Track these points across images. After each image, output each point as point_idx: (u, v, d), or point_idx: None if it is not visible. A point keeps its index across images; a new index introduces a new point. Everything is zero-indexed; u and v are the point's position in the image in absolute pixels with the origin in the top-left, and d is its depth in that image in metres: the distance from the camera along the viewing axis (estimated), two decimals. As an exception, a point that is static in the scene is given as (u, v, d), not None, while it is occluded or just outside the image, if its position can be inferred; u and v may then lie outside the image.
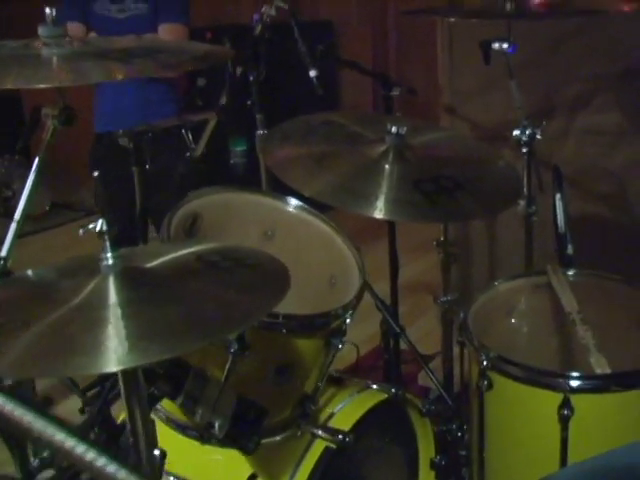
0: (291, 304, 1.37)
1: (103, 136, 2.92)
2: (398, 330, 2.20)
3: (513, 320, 1.95)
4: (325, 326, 1.45)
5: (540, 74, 2.61)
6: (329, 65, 4.45)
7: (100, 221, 0.90)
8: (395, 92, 2.34)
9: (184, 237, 1.46)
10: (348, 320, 1.48)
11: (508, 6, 1.85)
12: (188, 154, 2.13)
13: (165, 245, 1.30)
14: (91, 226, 0.90)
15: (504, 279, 1.93)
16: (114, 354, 0.81)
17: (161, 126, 2.01)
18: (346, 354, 3.13)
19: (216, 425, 1.17)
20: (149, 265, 1.00)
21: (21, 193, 1.63)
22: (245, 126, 1.99)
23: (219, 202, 1.62)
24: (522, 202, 2.10)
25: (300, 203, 1.71)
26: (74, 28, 2.88)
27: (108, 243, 0.92)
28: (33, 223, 4.62)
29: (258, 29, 2.06)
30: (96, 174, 3.02)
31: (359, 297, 1.52)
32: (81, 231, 0.90)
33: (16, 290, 1.01)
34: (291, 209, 1.72)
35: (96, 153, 3.00)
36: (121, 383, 0.93)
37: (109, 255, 0.93)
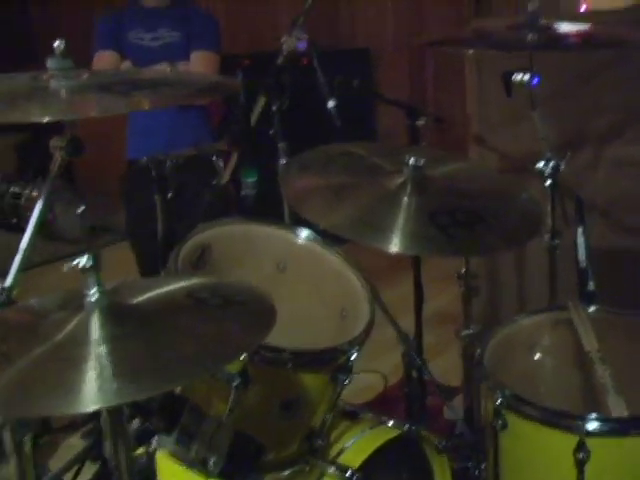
0: (302, 336, 1.36)
1: (132, 163, 2.96)
2: (419, 362, 2.17)
3: (535, 356, 1.91)
4: (331, 361, 1.43)
5: (570, 105, 2.57)
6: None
7: (85, 257, 0.90)
8: (421, 121, 2.33)
9: (191, 269, 1.46)
10: (354, 355, 1.46)
11: (530, 37, 1.82)
12: (215, 182, 2.14)
13: (157, 280, 1.30)
14: (75, 262, 0.90)
15: (525, 314, 1.89)
16: (91, 393, 0.80)
17: (180, 155, 2.02)
18: (375, 384, 3.11)
19: (211, 461, 1.15)
20: (136, 301, 1.00)
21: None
22: (257, 157, 2.00)
23: (229, 234, 1.62)
24: (547, 235, 2.06)
25: (312, 235, 1.70)
26: (107, 56, 2.94)
27: (93, 279, 0.92)
28: (70, 246, 4.69)
29: (280, 59, 2.06)
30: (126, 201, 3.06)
31: (367, 332, 1.50)
32: (65, 267, 0.90)
33: (3, 322, 1.01)
34: (303, 241, 1.71)
35: (126, 180, 3.04)
36: (103, 420, 0.92)
37: (93, 291, 0.92)
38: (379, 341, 1.95)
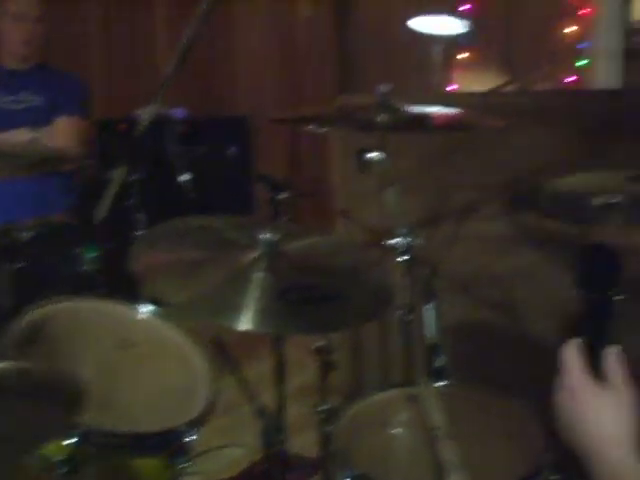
0: (142, 418, 1.31)
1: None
2: (278, 438, 2.14)
3: (388, 432, 1.91)
4: (167, 445, 1.39)
5: (431, 181, 2.66)
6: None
7: None
8: (282, 195, 2.34)
9: (19, 349, 1.39)
10: (192, 437, 1.41)
11: (380, 117, 1.88)
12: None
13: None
14: None
15: (378, 389, 1.90)
16: None
17: (33, 224, 1.96)
18: (240, 458, 3.04)
19: None
20: None
21: None
22: (98, 231, 1.96)
23: (67, 311, 1.56)
24: (401, 310, 2.09)
25: (154, 311, 1.66)
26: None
27: None
28: None
29: (138, 129, 2.04)
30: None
31: (207, 412, 1.46)
32: None
33: None
34: (145, 318, 1.67)
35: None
36: None
37: None
38: (247, 414, 1.91)
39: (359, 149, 1.95)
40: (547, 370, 2.52)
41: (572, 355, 0.96)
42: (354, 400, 1.85)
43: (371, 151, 1.94)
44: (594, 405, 0.95)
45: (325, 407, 2.08)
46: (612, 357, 0.95)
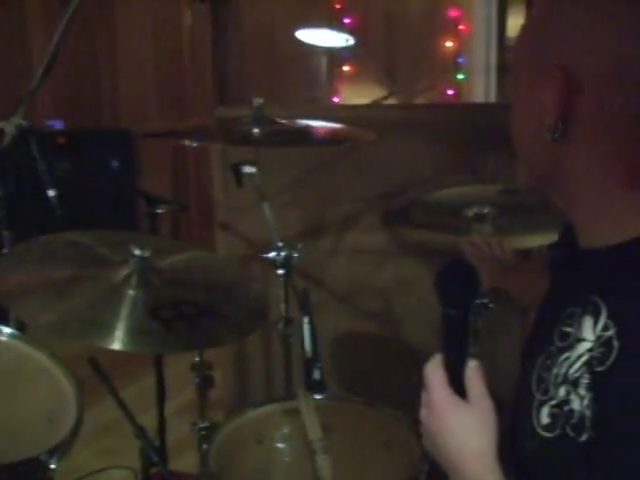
0: (5, 446, 1.25)
1: None
2: (158, 458, 2.09)
3: (264, 448, 1.90)
4: (29, 474, 1.33)
5: (310, 194, 2.67)
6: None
7: None
8: (161, 209, 2.30)
9: None
10: (54, 464, 1.35)
11: (256, 132, 1.87)
12: None
13: None
14: None
15: (255, 405, 1.88)
16: None
17: None
18: (126, 477, 2.96)
19: None
20: None
21: None
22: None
23: None
24: (280, 324, 2.09)
25: (15, 332, 1.59)
26: None
27: None
28: None
29: (4, 143, 1.96)
30: None
31: (73, 436, 1.41)
32: None
33: None
34: (5, 339, 1.60)
35: None
36: None
37: None
38: (127, 435, 1.86)
39: (234, 163, 1.93)
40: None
41: (433, 371, 0.97)
42: (232, 416, 1.83)
43: (246, 165, 1.93)
44: (454, 421, 0.96)
45: (204, 424, 2.05)
46: (471, 372, 0.96)
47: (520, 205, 2.16)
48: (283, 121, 1.93)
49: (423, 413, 0.99)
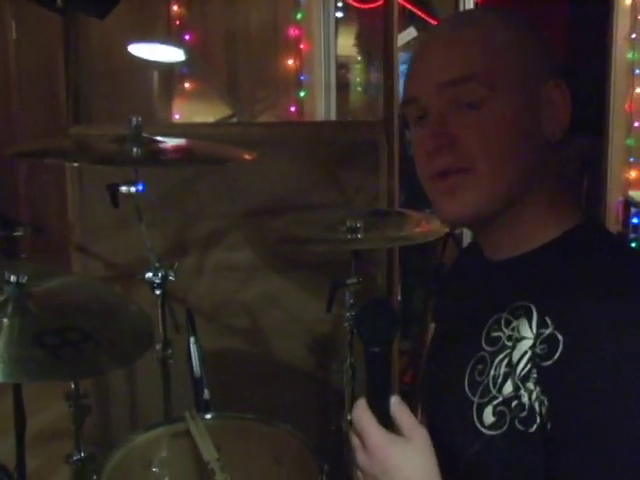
0: None
1: None
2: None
3: (154, 472, 1.85)
4: None
5: (174, 212, 2.64)
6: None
7: None
8: (19, 232, 2.20)
9: None
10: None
11: (135, 151, 1.83)
12: None
13: None
14: None
15: (141, 430, 1.83)
16: None
17: None
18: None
19: None
20: None
21: None
22: None
23: None
24: (158, 345, 2.05)
25: None
26: None
27: None
28: None
29: None
30: None
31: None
32: None
33: None
34: None
35: None
36: None
37: None
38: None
39: (111, 183, 1.87)
40: (299, 392, 2.61)
41: (362, 415, 0.96)
42: (118, 444, 1.77)
43: (124, 185, 1.88)
44: (398, 458, 0.94)
45: (80, 456, 1.97)
46: (396, 406, 0.97)
47: (388, 220, 2.26)
48: (162, 140, 1.90)
49: (361, 459, 0.96)
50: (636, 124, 4.10)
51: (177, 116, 4.51)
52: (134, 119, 1.84)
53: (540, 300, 0.93)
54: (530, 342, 0.92)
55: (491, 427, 0.94)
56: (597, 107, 4.31)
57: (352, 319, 2.21)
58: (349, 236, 2.15)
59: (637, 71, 4.04)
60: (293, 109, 4.31)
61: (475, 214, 0.99)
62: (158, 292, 2.03)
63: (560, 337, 0.88)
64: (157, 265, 2.02)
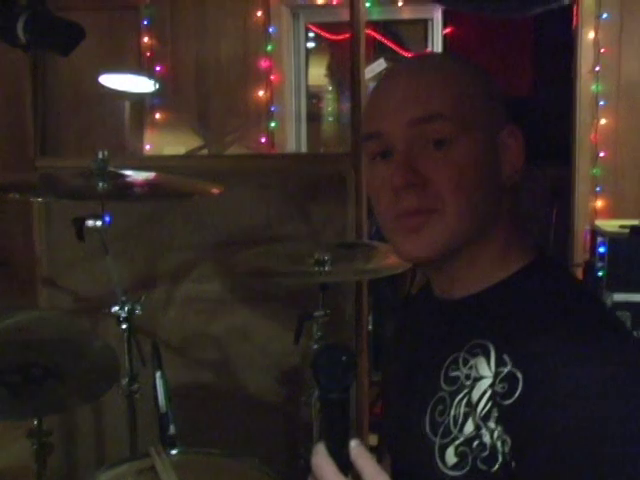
0: None
1: None
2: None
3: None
4: None
5: (141, 245, 2.63)
6: None
7: None
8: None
9: None
10: None
11: (100, 186, 1.83)
12: None
13: None
14: None
15: (106, 467, 1.80)
16: None
17: None
18: None
19: None
20: None
21: None
22: None
23: None
24: (124, 380, 2.03)
25: None
26: None
27: None
28: None
29: None
30: None
31: None
32: None
33: None
34: None
35: None
36: None
37: None
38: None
39: (77, 217, 1.87)
40: (268, 425, 2.59)
41: (322, 462, 0.94)
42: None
43: (90, 218, 1.87)
44: None
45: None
46: (356, 451, 0.96)
47: (356, 253, 2.27)
48: (129, 174, 1.90)
49: None
50: (601, 154, 4.16)
51: (148, 147, 4.50)
52: (100, 153, 1.84)
53: (497, 338, 0.94)
54: (489, 381, 0.92)
55: (454, 468, 0.94)
56: (566, 138, 4.39)
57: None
58: (316, 269, 2.16)
59: (601, 103, 4.11)
60: (264, 140, 4.32)
61: (439, 252, 0.99)
62: (124, 326, 2.01)
63: (519, 375, 0.89)
64: (123, 299, 2.01)
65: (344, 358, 0.97)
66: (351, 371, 0.97)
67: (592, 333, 0.90)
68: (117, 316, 2.01)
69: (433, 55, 1.05)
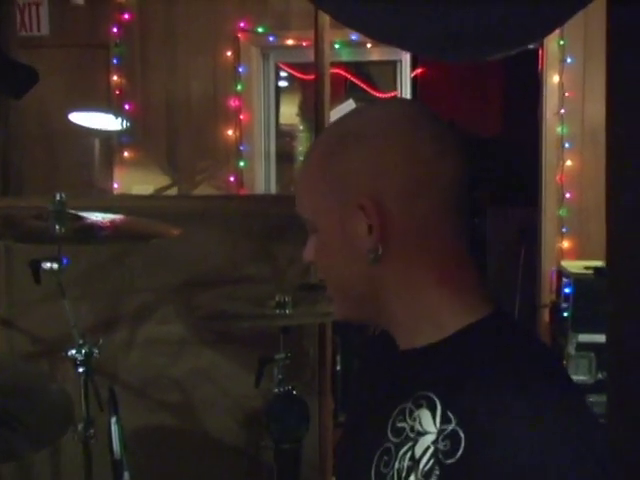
0: None
1: None
2: None
3: None
4: None
5: (103, 286, 2.61)
6: None
7: None
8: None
9: None
10: None
11: (57, 229, 1.82)
12: None
13: None
14: None
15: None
16: None
17: None
18: None
19: None
20: None
21: None
22: None
23: None
24: (80, 425, 1.99)
25: None
26: None
27: None
28: None
29: None
30: None
31: None
32: None
33: None
34: None
35: None
36: None
37: None
38: None
39: (34, 259, 1.85)
40: (229, 468, 2.56)
41: None
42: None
43: (47, 261, 1.85)
44: None
45: None
46: None
47: (318, 294, 2.26)
48: (86, 216, 1.89)
49: None
50: (567, 195, 4.21)
51: (116, 185, 4.49)
52: (58, 195, 1.82)
53: (444, 393, 0.93)
54: (433, 437, 0.91)
55: None
56: (534, 179, 4.44)
57: (280, 395, 2.18)
58: (277, 311, 2.15)
59: (566, 145, 4.17)
60: (232, 179, 4.33)
61: (345, 319, 1.07)
62: (81, 369, 1.98)
63: (462, 434, 0.88)
64: (81, 342, 1.98)
65: (297, 410, 0.96)
66: (304, 422, 0.96)
67: (535, 394, 0.90)
68: (74, 360, 1.98)
69: (314, 144, 1.05)
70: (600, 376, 3.51)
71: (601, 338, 3.51)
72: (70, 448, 2.18)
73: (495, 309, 1.02)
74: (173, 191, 4.35)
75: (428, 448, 0.91)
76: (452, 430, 0.89)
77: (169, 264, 2.57)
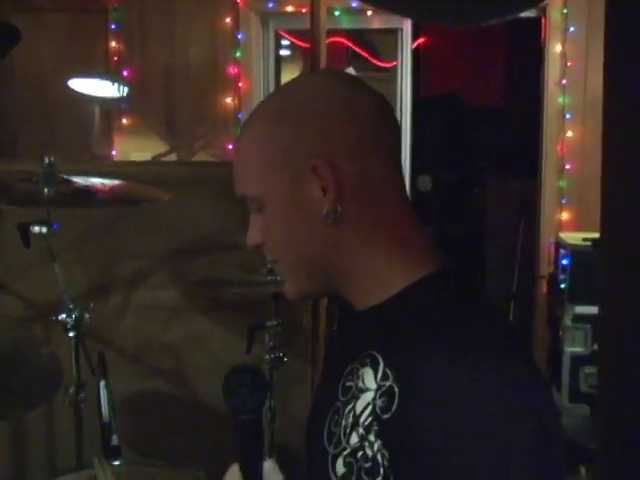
0: None
1: None
2: None
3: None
4: None
5: (95, 252, 2.61)
6: None
7: None
8: None
9: None
10: None
11: (46, 192, 1.81)
12: None
13: None
14: None
15: (51, 477, 1.79)
16: None
17: None
18: None
19: None
20: None
21: None
22: None
23: None
24: (71, 389, 2.00)
25: None
26: None
27: None
28: None
29: None
30: None
31: None
32: None
33: None
34: None
35: None
36: None
37: None
38: None
39: (22, 222, 1.84)
40: (218, 435, 2.57)
41: None
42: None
43: (36, 224, 1.85)
44: None
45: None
46: (268, 473, 0.96)
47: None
48: (76, 180, 1.88)
49: None
50: (568, 166, 4.18)
51: (115, 152, 4.47)
52: (46, 158, 1.81)
53: (387, 351, 0.94)
54: (372, 394, 0.92)
55: (342, 478, 0.94)
56: (535, 150, 4.41)
57: (271, 362, 2.19)
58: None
59: (568, 115, 4.13)
60: (231, 147, 4.30)
61: (303, 295, 1.08)
62: (71, 334, 1.99)
63: (396, 390, 0.89)
64: (71, 306, 1.98)
65: (254, 381, 0.96)
66: (260, 392, 0.97)
67: (473, 352, 0.89)
68: (64, 324, 1.98)
69: (248, 122, 1.04)
70: (596, 347, 3.51)
71: (597, 310, 3.53)
72: (63, 411, 2.19)
73: (443, 266, 1.02)
74: (172, 158, 4.32)
75: (368, 405, 0.93)
76: (389, 386, 0.90)
77: (161, 230, 2.57)
